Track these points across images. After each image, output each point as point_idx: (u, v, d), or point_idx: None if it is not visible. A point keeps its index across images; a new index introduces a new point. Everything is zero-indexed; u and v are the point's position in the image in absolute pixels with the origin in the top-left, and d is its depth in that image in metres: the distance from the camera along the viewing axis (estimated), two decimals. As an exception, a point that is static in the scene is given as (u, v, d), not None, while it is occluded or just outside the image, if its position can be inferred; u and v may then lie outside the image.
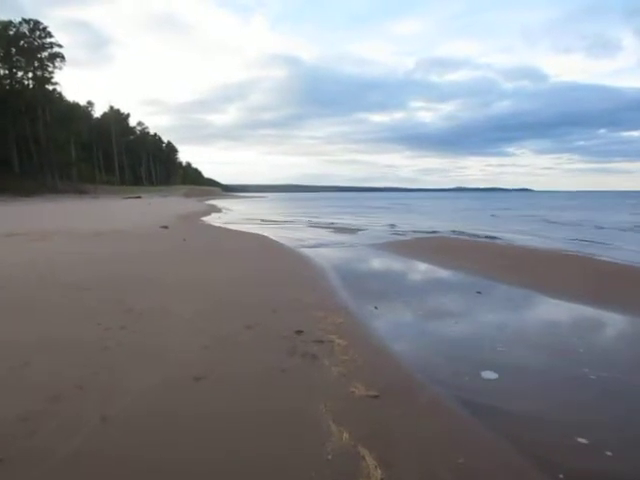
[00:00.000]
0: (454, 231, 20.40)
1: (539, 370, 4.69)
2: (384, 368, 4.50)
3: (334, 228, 22.56)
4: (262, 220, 29.14)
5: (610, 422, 3.74)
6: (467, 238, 17.21)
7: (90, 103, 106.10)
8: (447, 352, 5.15)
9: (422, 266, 11.55)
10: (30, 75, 68.46)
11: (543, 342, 5.53)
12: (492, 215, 35.90)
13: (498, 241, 16.06)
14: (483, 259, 11.85)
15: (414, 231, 20.50)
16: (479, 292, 7.90)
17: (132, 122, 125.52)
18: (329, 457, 3.04)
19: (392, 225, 24.00)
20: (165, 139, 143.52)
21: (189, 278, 8.44)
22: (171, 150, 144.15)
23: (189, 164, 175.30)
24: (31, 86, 68.01)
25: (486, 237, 17.59)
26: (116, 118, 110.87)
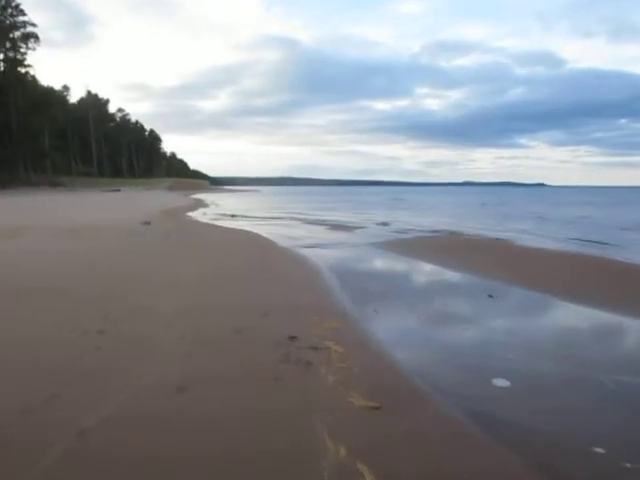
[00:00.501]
0: (458, 230, 20.48)
1: (555, 378, 4.69)
2: (385, 377, 4.49)
3: (330, 225, 22.59)
4: (253, 216, 29.11)
5: (629, 432, 3.75)
6: (474, 237, 17.29)
7: (66, 87, 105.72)
8: (455, 360, 5.15)
9: (426, 267, 11.56)
10: (1, 57, 68.09)
11: (560, 349, 5.54)
12: (500, 212, 36.05)
13: (510, 241, 16.10)
14: (493, 260, 11.88)
15: (416, 229, 20.57)
16: (490, 295, 7.91)
17: (112, 108, 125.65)
18: (325, 474, 3.03)
19: (392, 223, 24.07)
20: (148, 127, 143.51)
21: (173, 278, 8.40)
22: (154, 139, 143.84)
23: (174, 155, 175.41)
24: (2, 68, 67.63)
25: (496, 236, 17.66)
26: (94, 104, 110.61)
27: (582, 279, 9.59)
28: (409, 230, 20.21)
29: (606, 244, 15.79)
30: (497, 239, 16.64)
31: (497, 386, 4.50)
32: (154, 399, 3.89)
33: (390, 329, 6.35)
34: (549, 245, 15.22)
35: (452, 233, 18.71)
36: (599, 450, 3.47)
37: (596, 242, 16.29)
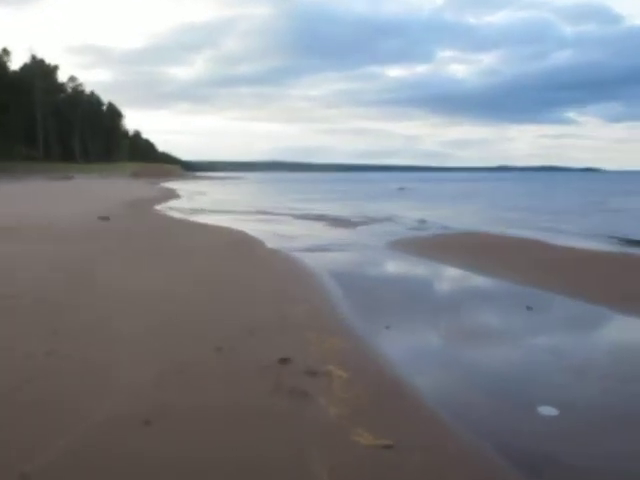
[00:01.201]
0: (487, 226, 20.48)
1: (614, 408, 4.69)
2: (400, 408, 4.47)
3: (329, 220, 22.71)
4: (235, 210, 29.09)
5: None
6: (509, 235, 17.35)
7: (6, 52, 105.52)
8: (487, 386, 5.15)
9: (447, 271, 11.57)
10: None
11: (619, 372, 5.54)
12: (544, 204, 36.07)
13: (551, 240, 16.10)
14: (530, 262, 11.90)
15: (434, 225, 20.67)
16: (529, 307, 7.91)
17: (62, 77, 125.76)
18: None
19: (403, 218, 24.15)
20: (106, 100, 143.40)
21: (138, 287, 8.39)
22: (114, 115, 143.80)
23: (138, 134, 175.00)
24: None
25: (533, 235, 17.69)
26: (40, 72, 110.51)
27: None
28: (425, 226, 20.30)
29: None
30: (530, 238, 16.66)
31: (543, 415, 4.49)
32: (113, 436, 3.87)
33: (405, 349, 6.31)
34: (601, 245, 15.23)
35: (472, 230, 18.75)
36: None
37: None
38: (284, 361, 5.29)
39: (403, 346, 6.42)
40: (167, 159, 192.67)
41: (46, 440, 3.80)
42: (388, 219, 23.71)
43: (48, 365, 5.10)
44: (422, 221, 21.99)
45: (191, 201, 38.17)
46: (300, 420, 4.15)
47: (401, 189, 62.00)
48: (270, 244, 14.47)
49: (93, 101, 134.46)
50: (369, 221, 22.80)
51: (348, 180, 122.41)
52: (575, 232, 18.47)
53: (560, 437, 4.20)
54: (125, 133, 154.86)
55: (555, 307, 8.42)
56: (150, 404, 4.34)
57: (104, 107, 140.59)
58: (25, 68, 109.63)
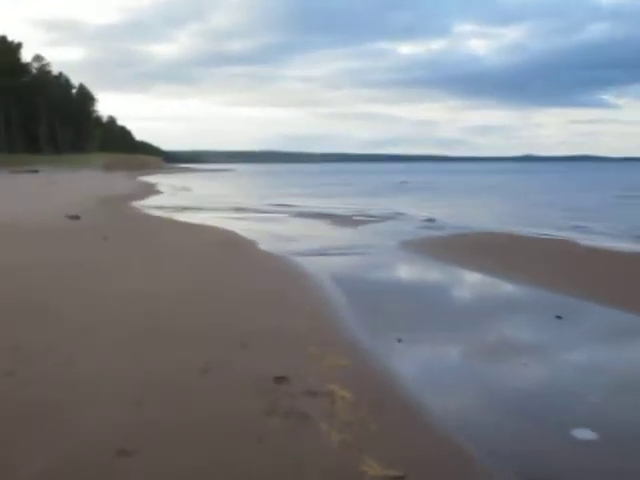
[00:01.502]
0: (509, 226, 20.52)
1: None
2: (412, 434, 4.46)
3: (330, 219, 22.79)
4: (225, 207, 29.11)
5: None
6: (534, 236, 17.39)
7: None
8: (512, 407, 5.13)
9: (466, 276, 11.55)
10: None
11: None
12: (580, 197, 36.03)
13: (582, 241, 16.11)
14: (558, 266, 11.92)
15: (452, 225, 20.64)
16: (559, 317, 7.91)
17: (26, 56, 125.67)
18: None
19: (414, 215, 24.18)
20: (76, 82, 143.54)
21: (112, 296, 8.38)
22: (86, 99, 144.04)
23: (113, 120, 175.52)
24: None
25: (561, 235, 17.75)
26: (1, 50, 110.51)
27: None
28: (440, 225, 20.33)
29: None
30: (557, 238, 16.72)
31: (578, 439, 4.48)
32: (84, 467, 3.85)
33: (419, 366, 6.30)
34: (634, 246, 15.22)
35: (492, 230, 18.79)
36: None
37: None
38: (280, 380, 5.26)
39: (416, 362, 6.41)
40: (146, 149, 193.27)
41: (1, 475, 3.78)
42: (391, 217, 23.72)
43: (8, 387, 5.07)
44: (430, 220, 22.07)
45: (174, 197, 38.18)
46: (299, 447, 4.13)
47: (403, 183, 62.65)
48: (264, 246, 14.48)
49: (62, 83, 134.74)
50: (369, 220, 22.82)
51: (351, 172, 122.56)
52: (610, 232, 18.44)
53: (600, 464, 4.19)
54: (98, 120, 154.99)
55: (587, 316, 8.42)
56: (126, 430, 4.31)
57: (74, 90, 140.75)
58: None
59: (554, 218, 22.95)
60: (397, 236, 16.84)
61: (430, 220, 21.92)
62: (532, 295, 9.69)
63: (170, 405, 4.77)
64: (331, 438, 4.26)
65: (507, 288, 10.34)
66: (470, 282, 11.28)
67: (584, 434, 4.54)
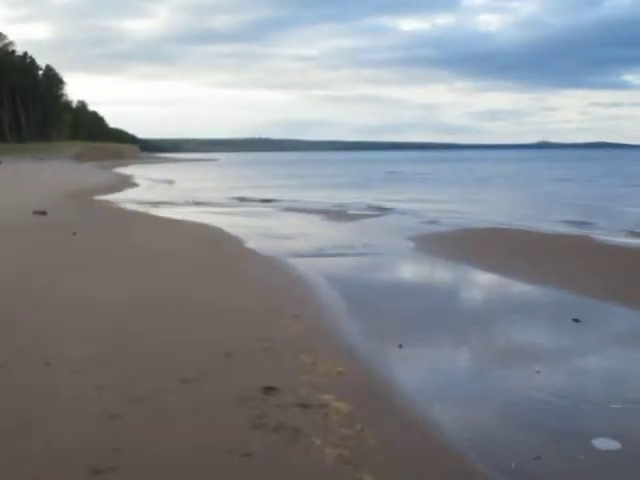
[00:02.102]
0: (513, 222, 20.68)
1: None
2: (415, 449, 4.45)
3: (322, 212, 22.94)
4: (207, 201, 29.09)
5: None
6: (543, 232, 17.52)
7: None
8: (520, 419, 5.14)
9: (473, 275, 11.60)
10: None
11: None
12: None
13: (600, 237, 16.16)
14: (574, 264, 11.95)
15: (453, 220, 20.75)
16: (576, 320, 7.94)
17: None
18: None
19: (414, 209, 24.27)
20: (43, 63, 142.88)
21: (82, 300, 8.36)
22: (53, 82, 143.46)
23: (84, 105, 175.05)
24: None
25: (573, 231, 17.88)
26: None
27: None
28: (442, 220, 20.46)
29: None
30: (572, 234, 16.86)
31: (599, 449, 4.50)
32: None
33: (423, 374, 6.32)
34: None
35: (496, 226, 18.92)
36: None
37: None
38: (269, 390, 5.26)
39: (419, 370, 6.44)
40: (121, 136, 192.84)
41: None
42: (395, 209, 23.96)
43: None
44: (438, 213, 22.26)
45: (150, 189, 38.13)
46: (289, 464, 4.12)
47: (391, 173, 64.24)
48: (250, 244, 14.50)
49: (26, 65, 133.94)
50: (371, 213, 23.04)
51: (345, 162, 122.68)
52: (624, 227, 18.49)
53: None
54: (67, 105, 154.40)
55: (608, 319, 8.47)
56: (99, 447, 4.30)
57: (40, 72, 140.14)
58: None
59: (562, 213, 23.06)
60: (403, 231, 17.07)
61: (440, 215, 22.04)
62: (545, 295, 9.76)
63: (147, 419, 4.76)
64: (326, 454, 4.26)
65: (515, 287, 10.40)
66: (474, 281, 11.35)
67: (605, 444, 4.58)
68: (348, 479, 3.96)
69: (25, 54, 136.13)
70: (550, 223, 19.36)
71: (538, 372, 6.20)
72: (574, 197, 30.68)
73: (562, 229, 17.94)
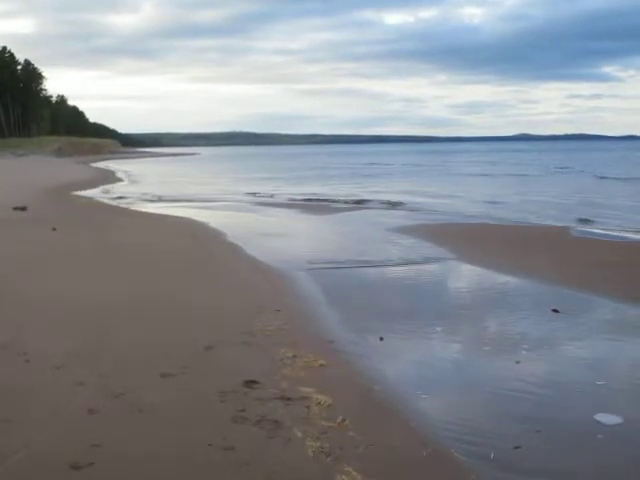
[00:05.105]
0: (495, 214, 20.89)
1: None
2: (397, 441, 4.47)
3: (304, 207, 23.02)
4: (188, 197, 29.05)
5: None
6: (518, 224, 17.75)
7: None
8: (501, 409, 5.20)
9: (454, 267, 11.68)
10: None
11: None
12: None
13: (576, 230, 16.28)
14: (552, 255, 12.08)
15: (435, 211, 21.03)
16: (556, 310, 8.01)
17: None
18: None
19: (398, 201, 24.41)
20: (21, 57, 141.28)
21: (60, 296, 8.34)
22: (32, 76, 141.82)
23: (64, 100, 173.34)
24: None
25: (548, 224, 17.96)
26: None
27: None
28: (422, 211, 20.70)
29: None
30: (550, 225, 17.08)
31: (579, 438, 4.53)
32: (32, 485, 3.83)
33: (404, 366, 6.34)
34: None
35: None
36: None
37: None
38: (250, 384, 5.27)
39: (401, 362, 6.44)
40: (101, 131, 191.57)
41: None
42: (383, 203, 24.19)
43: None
44: (420, 205, 22.61)
45: (132, 184, 37.92)
46: (271, 457, 4.13)
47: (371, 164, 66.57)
48: (232, 238, 14.49)
49: (5, 59, 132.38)
50: (355, 206, 23.16)
51: (333, 154, 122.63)
52: (608, 221, 18.64)
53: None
54: (47, 99, 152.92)
55: (588, 309, 8.52)
56: (78, 442, 4.29)
57: (19, 67, 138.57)
58: None
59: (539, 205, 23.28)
60: (384, 224, 17.10)
61: (422, 207, 22.19)
62: (524, 286, 9.82)
63: (127, 415, 4.75)
64: (307, 447, 4.28)
65: (494, 279, 10.41)
66: (454, 273, 11.38)
67: (605, 419, 4.76)
68: (329, 471, 3.97)
69: (4, 48, 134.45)
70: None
71: (518, 362, 6.24)
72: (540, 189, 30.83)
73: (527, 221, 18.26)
